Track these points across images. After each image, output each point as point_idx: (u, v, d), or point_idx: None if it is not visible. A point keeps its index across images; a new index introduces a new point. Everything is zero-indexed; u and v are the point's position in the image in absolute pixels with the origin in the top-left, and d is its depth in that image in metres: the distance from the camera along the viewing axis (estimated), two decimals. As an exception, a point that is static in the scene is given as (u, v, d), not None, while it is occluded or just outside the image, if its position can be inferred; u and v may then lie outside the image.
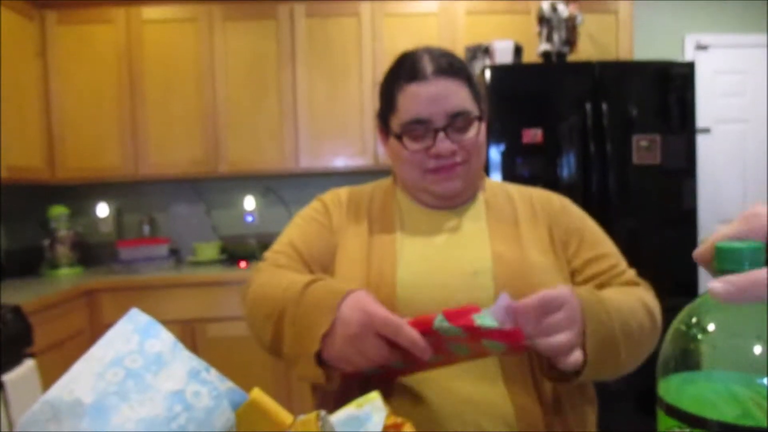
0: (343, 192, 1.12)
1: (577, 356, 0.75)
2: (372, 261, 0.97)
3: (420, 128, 0.96)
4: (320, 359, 0.79)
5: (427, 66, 0.96)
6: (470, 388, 0.87)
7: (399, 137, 0.98)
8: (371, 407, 0.57)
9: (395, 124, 1.00)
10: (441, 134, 0.95)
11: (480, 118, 0.98)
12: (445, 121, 0.95)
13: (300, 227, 1.06)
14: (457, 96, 0.96)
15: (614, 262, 1.01)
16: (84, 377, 0.52)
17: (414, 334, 0.72)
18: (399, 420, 0.57)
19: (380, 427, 0.55)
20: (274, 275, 0.94)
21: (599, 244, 1.03)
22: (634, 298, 0.92)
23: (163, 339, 0.55)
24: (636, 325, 0.86)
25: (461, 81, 0.97)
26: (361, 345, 0.75)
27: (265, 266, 1.00)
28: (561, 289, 0.75)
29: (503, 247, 0.97)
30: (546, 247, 1.00)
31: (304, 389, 2.67)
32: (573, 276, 1.00)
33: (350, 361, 0.77)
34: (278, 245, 1.05)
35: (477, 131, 0.98)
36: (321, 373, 0.79)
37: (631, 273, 1.02)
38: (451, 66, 0.96)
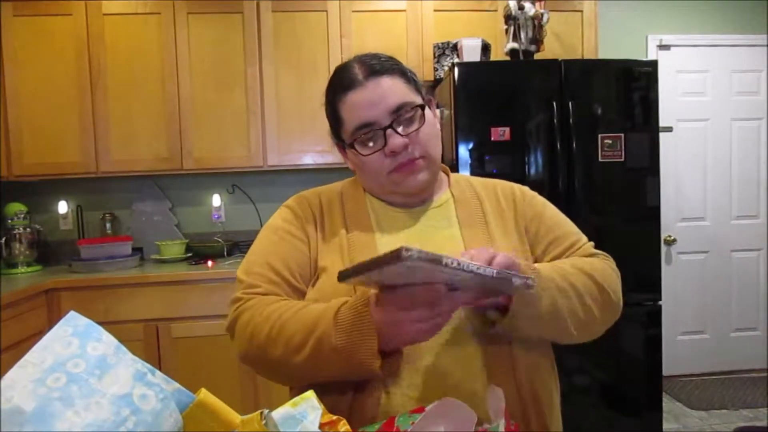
0: (311, 195, 1.11)
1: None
2: (355, 261, 0.96)
3: (368, 131, 0.97)
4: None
5: (359, 72, 0.98)
6: (455, 378, 0.90)
7: (352, 146, 1.00)
8: (307, 405, 0.57)
9: (345, 135, 1.01)
10: (389, 131, 0.96)
11: (424, 106, 1.00)
12: (390, 118, 0.96)
13: (273, 243, 1.04)
14: (394, 92, 0.97)
15: (574, 240, 1.07)
16: (21, 384, 0.50)
17: (423, 288, 0.77)
18: (334, 418, 0.57)
19: (316, 425, 0.55)
20: (275, 310, 0.93)
21: (557, 227, 1.08)
22: (567, 262, 0.99)
23: (106, 342, 0.53)
24: (563, 280, 0.94)
25: (395, 76, 0.99)
26: (411, 317, 0.79)
27: (246, 296, 0.98)
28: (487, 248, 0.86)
29: (475, 241, 1.00)
30: (512, 237, 1.04)
31: (270, 387, 2.65)
32: (536, 261, 1.04)
33: (414, 338, 0.81)
34: (253, 264, 1.02)
35: (424, 119, 0.99)
36: (390, 369, 0.86)
37: (589, 246, 1.08)
38: (381, 65, 0.98)
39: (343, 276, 0.74)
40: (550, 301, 0.90)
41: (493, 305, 0.89)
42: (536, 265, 0.94)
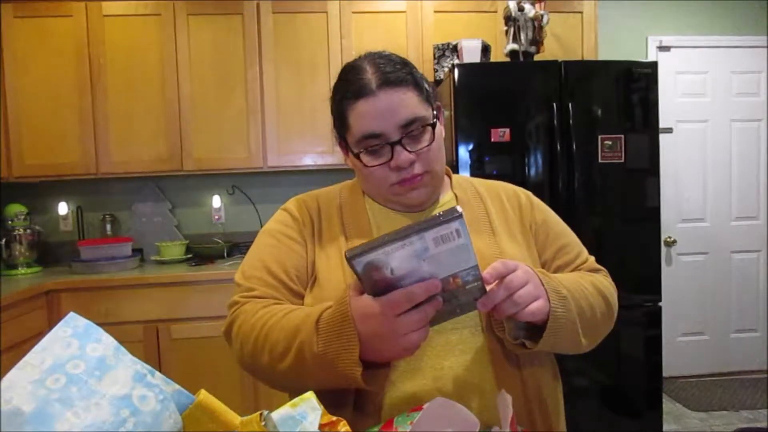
0: (309, 199, 1.10)
1: (540, 303, 0.83)
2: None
3: (375, 142, 0.95)
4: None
5: (372, 80, 0.94)
6: (462, 373, 0.90)
7: (357, 155, 0.98)
8: (306, 406, 0.57)
9: (351, 141, 0.99)
10: (398, 147, 0.94)
11: (435, 124, 0.98)
12: (399, 133, 0.94)
13: (270, 246, 1.03)
14: (406, 106, 0.94)
15: (578, 250, 1.09)
16: (21, 385, 0.50)
17: (419, 285, 0.73)
18: (334, 418, 0.57)
19: (316, 426, 0.55)
20: (262, 316, 0.91)
21: (563, 235, 1.10)
22: (587, 281, 0.99)
23: (105, 343, 0.53)
24: (585, 302, 0.94)
25: (408, 88, 0.95)
26: (400, 330, 0.75)
27: (242, 299, 0.97)
28: (507, 260, 0.83)
29: (480, 242, 0.99)
30: (518, 239, 1.04)
31: (270, 388, 2.65)
32: (544, 266, 1.05)
33: (406, 349, 0.78)
34: (250, 268, 1.01)
35: (433, 136, 0.97)
36: (374, 381, 0.84)
37: (591, 260, 1.10)
38: (395, 75, 0.95)
39: (353, 254, 0.70)
40: (573, 327, 0.90)
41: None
42: (560, 284, 0.90)
